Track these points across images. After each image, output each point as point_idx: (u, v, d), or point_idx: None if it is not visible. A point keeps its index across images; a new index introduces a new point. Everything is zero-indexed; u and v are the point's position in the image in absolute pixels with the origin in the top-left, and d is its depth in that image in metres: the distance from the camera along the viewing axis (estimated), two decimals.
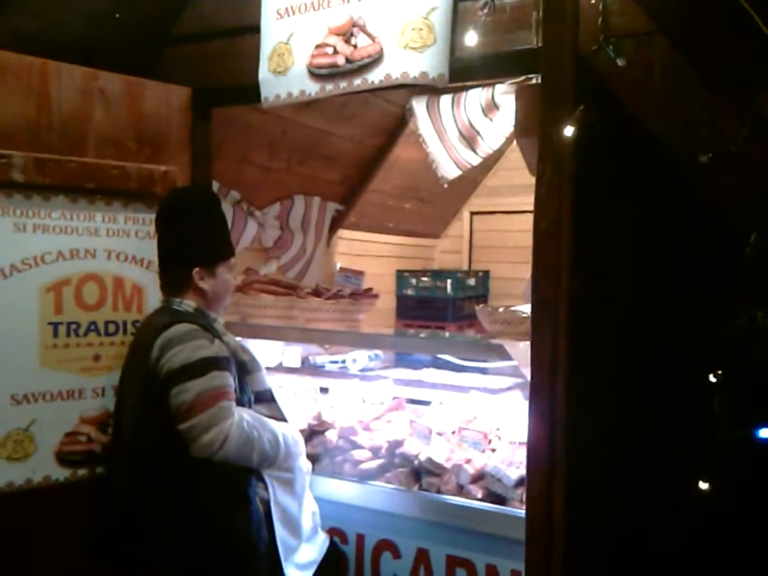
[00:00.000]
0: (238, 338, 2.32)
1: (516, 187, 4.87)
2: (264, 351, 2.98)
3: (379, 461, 2.57)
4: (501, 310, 2.40)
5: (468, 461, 2.43)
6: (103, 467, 2.31)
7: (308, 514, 2.21)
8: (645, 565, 2.01)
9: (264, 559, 2.01)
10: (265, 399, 2.22)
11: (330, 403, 2.88)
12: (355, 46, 2.41)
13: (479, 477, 2.38)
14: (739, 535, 1.86)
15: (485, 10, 2.17)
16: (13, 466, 2.20)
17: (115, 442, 2.16)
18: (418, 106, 3.83)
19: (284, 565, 2.05)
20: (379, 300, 3.17)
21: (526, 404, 1.96)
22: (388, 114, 4.06)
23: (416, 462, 2.49)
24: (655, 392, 1.99)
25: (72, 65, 2.45)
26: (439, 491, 2.39)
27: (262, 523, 2.02)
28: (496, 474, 2.31)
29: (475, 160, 3.94)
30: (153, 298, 2.41)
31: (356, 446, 2.64)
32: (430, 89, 3.47)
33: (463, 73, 2.31)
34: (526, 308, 2.28)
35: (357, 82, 2.43)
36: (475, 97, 3.66)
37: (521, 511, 2.04)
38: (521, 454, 2.22)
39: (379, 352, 3.49)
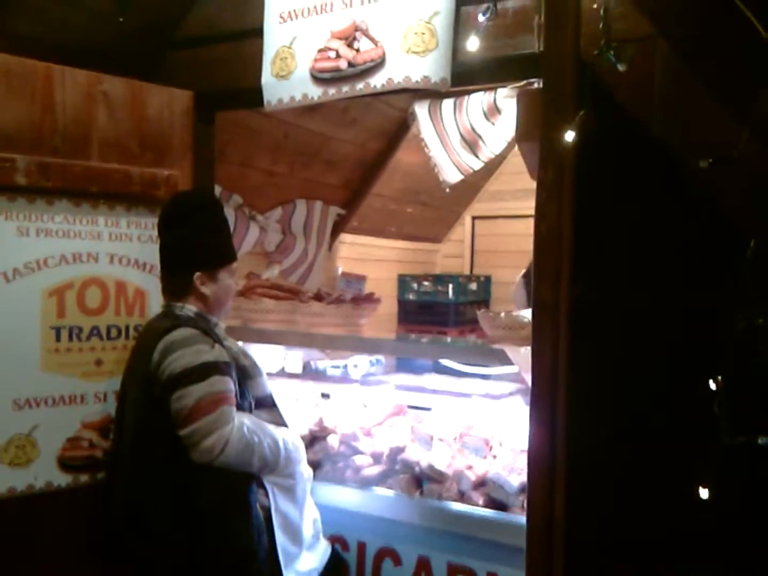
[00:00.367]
0: (239, 343, 2.32)
1: (518, 192, 4.87)
2: (265, 356, 2.98)
3: (381, 467, 2.57)
4: (502, 315, 2.39)
5: (469, 468, 2.42)
6: (104, 473, 2.31)
7: (309, 521, 2.20)
8: (647, 572, 2.00)
9: (264, 566, 2.00)
10: (265, 404, 2.21)
11: (331, 409, 2.88)
12: (357, 50, 2.42)
13: (481, 484, 2.37)
14: (740, 541, 1.85)
15: (487, 15, 2.17)
16: (15, 472, 2.20)
17: (116, 446, 2.16)
18: (420, 110, 3.83)
19: (285, 572, 2.05)
20: (381, 304, 3.17)
21: (527, 410, 1.96)
22: (390, 118, 4.06)
23: (417, 468, 2.48)
24: (657, 397, 1.98)
25: (75, 69, 2.45)
26: (440, 498, 2.38)
27: (262, 529, 2.01)
28: (497, 481, 2.31)
29: (477, 165, 3.93)
30: (155, 303, 2.41)
31: (358, 452, 2.63)
32: (432, 93, 3.47)
33: (465, 77, 2.31)
34: (527, 313, 2.28)
35: (359, 86, 2.43)
36: (477, 101, 3.66)
37: (523, 518, 2.04)
38: (523, 461, 2.21)
39: (380, 357, 3.48)
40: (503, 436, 2.56)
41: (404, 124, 4.14)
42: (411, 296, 3.01)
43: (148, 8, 2.83)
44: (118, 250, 2.43)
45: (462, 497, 2.36)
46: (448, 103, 3.77)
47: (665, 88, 1.96)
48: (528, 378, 1.99)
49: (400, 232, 4.86)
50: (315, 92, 2.52)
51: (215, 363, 1.99)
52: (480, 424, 2.67)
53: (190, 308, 2.15)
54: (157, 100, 2.68)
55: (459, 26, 2.29)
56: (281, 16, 2.62)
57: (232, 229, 2.48)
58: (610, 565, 2.02)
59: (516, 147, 3.76)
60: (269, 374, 2.48)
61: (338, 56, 2.45)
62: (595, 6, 1.91)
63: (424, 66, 2.31)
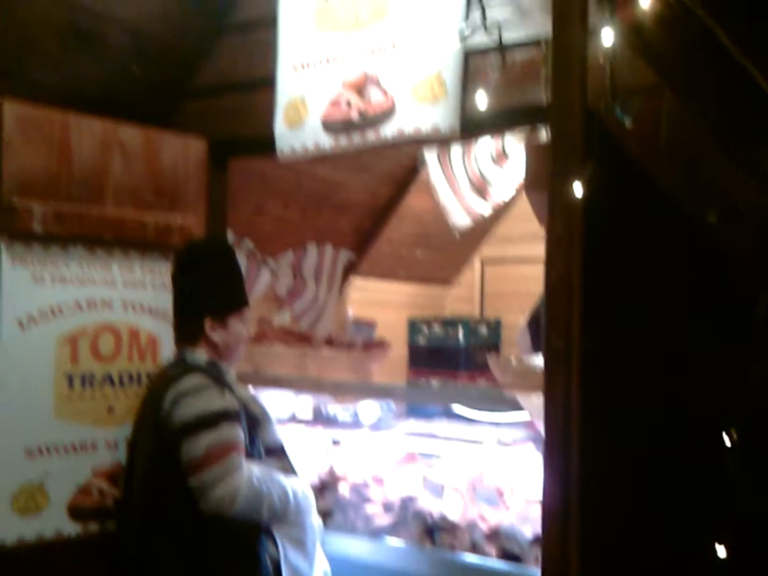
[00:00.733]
0: (249, 389, 2.32)
1: (526, 235, 4.88)
2: (276, 401, 2.97)
3: (392, 517, 2.54)
4: (513, 361, 2.39)
5: (482, 518, 2.39)
6: (114, 522, 2.29)
7: (319, 574, 2.17)
8: None
9: None
10: (276, 452, 2.20)
11: (342, 456, 2.86)
12: (368, 101, 2.46)
13: (493, 534, 2.34)
14: None
15: (495, 67, 2.21)
16: (25, 521, 2.18)
17: (126, 495, 2.14)
18: (429, 156, 3.89)
19: None
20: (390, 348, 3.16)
21: (539, 458, 1.94)
22: (399, 164, 4.12)
23: (429, 518, 2.45)
24: (671, 448, 1.96)
25: (92, 118, 2.50)
26: (452, 548, 2.34)
27: None
28: (510, 532, 2.27)
29: (487, 210, 3.97)
30: (168, 349, 2.42)
31: (368, 501, 2.60)
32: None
33: (474, 126, 2.35)
34: (539, 360, 2.27)
35: (370, 136, 2.47)
36: (485, 146, 3.71)
37: (537, 571, 2.00)
38: (536, 511, 2.18)
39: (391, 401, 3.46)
40: (515, 485, 2.53)
41: (414, 170, 4.19)
42: (421, 340, 3.00)
43: (162, 59, 2.91)
44: (131, 297, 2.45)
45: (474, 548, 2.32)
46: (456, 149, 3.83)
47: (671, 139, 1.98)
48: (539, 425, 1.98)
49: (409, 276, 4.88)
50: (327, 142, 2.56)
51: (225, 411, 1.99)
52: (491, 472, 2.64)
53: (201, 355, 2.16)
54: (171, 149, 2.72)
55: (468, 77, 2.33)
56: (294, 67, 2.68)
57: (243, 273, 2.51)
58: None
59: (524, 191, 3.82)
60: (279, 420, 2.47)
61: (349, 106, 2.50)
62: (601, 60, 1.95)
63: (433, 116, 2.35)
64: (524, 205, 4.64)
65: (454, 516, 2.40)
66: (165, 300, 2.40)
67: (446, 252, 5.04)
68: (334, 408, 3.30)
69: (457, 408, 3.05)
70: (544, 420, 1.92)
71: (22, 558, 2.17)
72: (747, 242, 1.86)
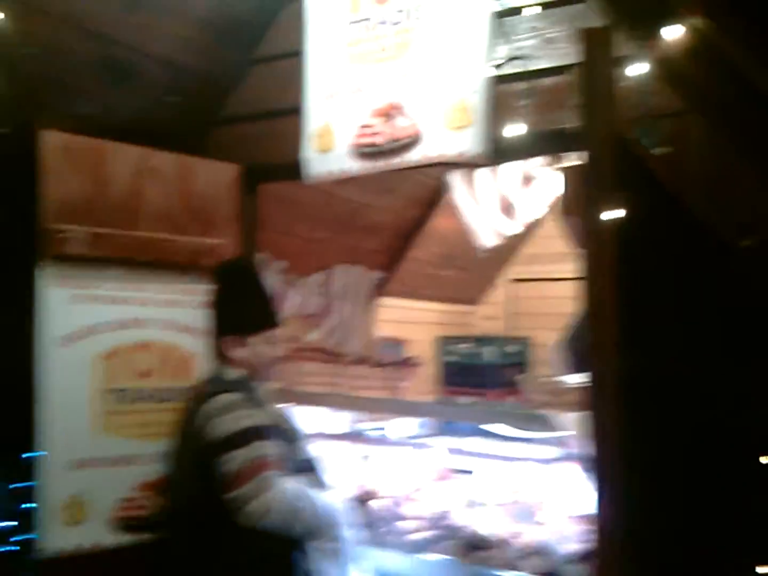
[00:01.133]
0: (281, 406, 2.35)
1: (554, 255, 4.89)
2: (307, 418, 3.00)
3: (425, 533, 2.53)
4: (544, 380, 2.39)
5: (517, 534, 2.38)
6: (155, 533, 2.32)
7: None
8: None
9: None
10: (307, 468, 2.22)
11: (374, 472, 2.87)
12: (394, 127, 2.51)
13: (529, 551, 2.32)
14: None
15: (522, 94, 2.24)
16: (67, 532, 2.23)
17: (167, 507, 2.18)
18: (455, 178, 3.93)
19: None
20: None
21: (573, 475, 1.94)
22: (425, 186, 4.17)
23: (464, 535, 2.44)
24: (710, 468, 1.94)
25: (127, 146, 2.60)
26: (488, 564, 2.33)
27: None
28: (545, 549, 2.26)
29: (513, 230, 3.99)
30: (204, 366, 2.46)
31: (401, 517, 2.60)
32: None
33: (500, 152, 2.38)
34: (569, 379, 2.28)
35: (396, 161, 2.52)
36: (511, 169, 3.73)
37: None
38: (572, 528, 2.17)
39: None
40: (550, 502, 2.52)
41: (439, 191, 4.23)
42: (450, 358, 3.01)
43: (196, 90, 3.01)
44: (166, 316, 2.52)
45: (510, 565, 2.31)
46: (482, 172, 3.86)
47: (701, 164, 1.99)
48: (573, 443, 1.97)
49: (437, 295, 4.90)
50: (354, 166, 2.62)
51: (256, 428, 2.02)
52: (525, 489, 2.63)
53: (232, 372, 2.19)
54: (203, 174, 2.81)
55: (495, 104, 2.36)
56: (322, 95, 2.74)
57: (271, 293, 2.55)
58: None
59: (550, 210, 3.83)
60: (311, 436, 2.50)
61: (376, 133, 2.55)
62: (628, 85, 1.97)
63: (460, 142, 2.39)
64: (551, 226, 4.67)
65: (490, 532, 2.39)
66: (199, 318, 2.45)
67: (473, 272, 5.06)
68: (366, 424, 3.32)
69: (490, 425, 3.05)
70: (592, 441, 1.90)
71: (65, 568, 2.22)
72: None
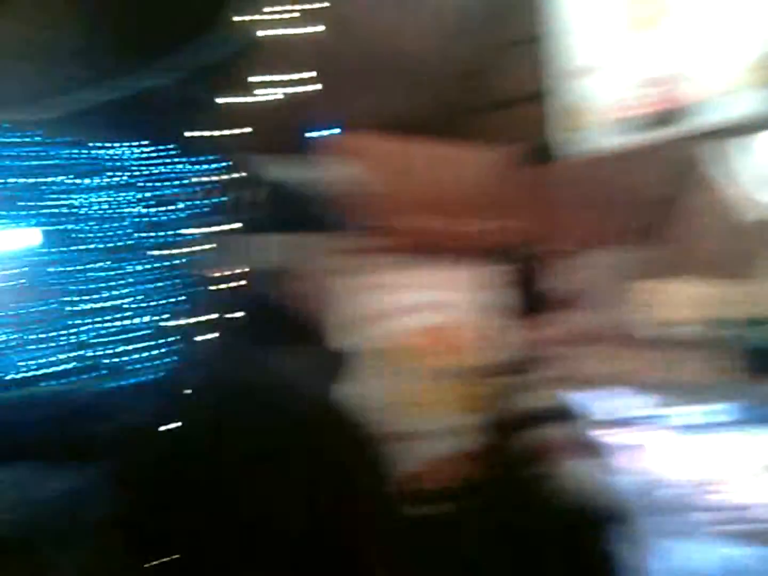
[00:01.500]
0: (572, 390, 2.38)
1: None
2: (598, 403, 2.98)
3: (737, 525, 2.41)
4: None
5: None
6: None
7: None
8: None
9: None
10: (598, 454, 2.24)
11: (667, 458, 2.77)
12: (672, 95, 2.43)
13: None
14: None
15: None
16: None
17: (488, 474, 2.30)
18: (712, 149, 3.69)
19: None
20: None
21: None
22: (682, 160, 3.97)
23: None
24: None
25: (420, 141, 2.77)
26: None
27: None
28: None
29: None
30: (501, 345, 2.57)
31: (707, 507, 2.50)
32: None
33: None
34: None
35: (678, 128, 2.43)
36: None
37: None
38: None
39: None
40: None
41: (695, 165, 4.01)
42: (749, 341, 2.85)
43: (461, 79, 3.14)
44: (465, 299, 2.66)
45: None
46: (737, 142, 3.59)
47: None
48: None
49: (698, 272, 4.64)
50: (625, 140, 2.57)
51: (552, 409, 2.14)
52: None
53: (532, 353, 2.28)
54: (478, 160, 2.93)
55: None
56: (583, 71, 2.72)
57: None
58: None
59: None
60: (602, 422, 2.49)
61: (652, 103, 2.48)
62: None
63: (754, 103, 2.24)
64: None
65: None
66: (496, 300, 2.59)
67: (735, 246, 4.73)
68: (651, 410, 3.22)
69: None
70: None
71: None
72: None
